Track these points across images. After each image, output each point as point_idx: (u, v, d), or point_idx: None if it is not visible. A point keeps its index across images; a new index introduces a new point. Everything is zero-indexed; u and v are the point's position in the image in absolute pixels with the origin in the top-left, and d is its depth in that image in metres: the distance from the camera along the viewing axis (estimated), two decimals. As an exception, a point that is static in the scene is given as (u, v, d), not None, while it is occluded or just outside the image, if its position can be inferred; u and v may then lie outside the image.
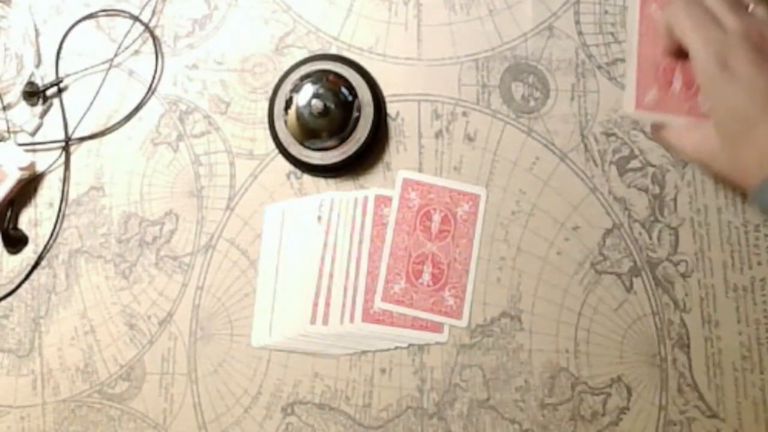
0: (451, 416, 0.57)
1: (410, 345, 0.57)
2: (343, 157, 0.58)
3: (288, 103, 0.57)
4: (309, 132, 0.57)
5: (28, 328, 0.59)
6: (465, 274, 0.57)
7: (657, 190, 0.58)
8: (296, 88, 0.57)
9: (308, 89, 0.57)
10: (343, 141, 0.57)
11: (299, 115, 0.57)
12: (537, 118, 0.59)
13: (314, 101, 0.56)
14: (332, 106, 0.56)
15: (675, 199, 0.58)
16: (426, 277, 0.57)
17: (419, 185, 0.58)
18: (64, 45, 0.62)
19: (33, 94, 0.61)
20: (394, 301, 0.57)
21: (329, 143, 0.57)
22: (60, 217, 0.60)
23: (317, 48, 0.61)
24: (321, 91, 0.56)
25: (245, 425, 0.57)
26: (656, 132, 0.55)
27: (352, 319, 0.57)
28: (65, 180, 0.61)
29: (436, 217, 0.57)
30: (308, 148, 0.58)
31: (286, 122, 0.58)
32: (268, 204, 0.59)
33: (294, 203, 0.59)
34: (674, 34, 0.50)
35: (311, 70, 0.58)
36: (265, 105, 0.60)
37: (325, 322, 0.57)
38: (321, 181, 0.60)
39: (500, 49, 0.60)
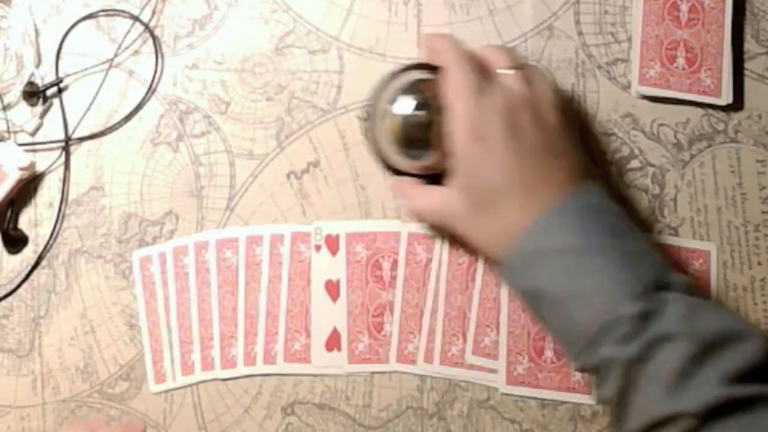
0: (451, 416, 0.57)
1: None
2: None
3: (384, 114, 0.54)
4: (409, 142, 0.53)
5: (28, 328, 0.59)
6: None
7: (657, 190, 0.58)
8: (392, 100, 0.54)
9: (407, 101, 0.53)
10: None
11: (400, 125, 0.53)
12: (537, 118, 0.59)
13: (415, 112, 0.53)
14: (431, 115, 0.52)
15: (675, 199, 0.58)
16: None
17: None
18: (64, 45, 0.62)
19: (33, 94, 0.61)
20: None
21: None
22: (60, 217, 0.60)
23: (317, 48, 0.61)
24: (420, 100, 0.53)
25: (245, 425, 0.57)
26: (396, 190, 0.56)
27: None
28: (65, 180, 0.61)
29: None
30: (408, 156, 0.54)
31: (383, 132, 0.55)
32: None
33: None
34: (437, 61, 0.52)
35: (408, 80, 0.55)
36: (266, 105, 0.60)
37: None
38: (321, 182, 0.59)
39: (500, 49, 0.60)
